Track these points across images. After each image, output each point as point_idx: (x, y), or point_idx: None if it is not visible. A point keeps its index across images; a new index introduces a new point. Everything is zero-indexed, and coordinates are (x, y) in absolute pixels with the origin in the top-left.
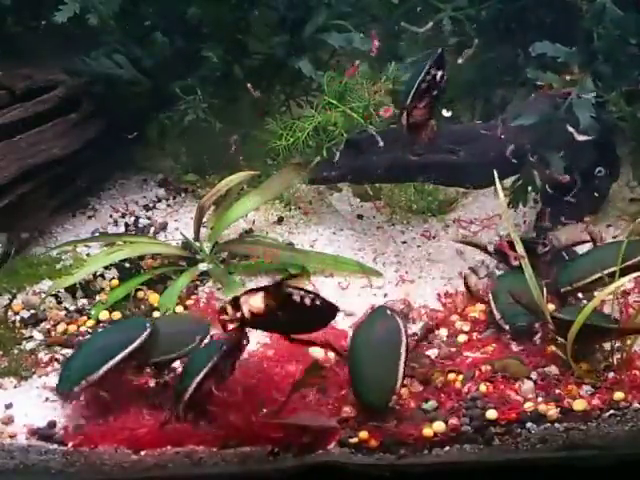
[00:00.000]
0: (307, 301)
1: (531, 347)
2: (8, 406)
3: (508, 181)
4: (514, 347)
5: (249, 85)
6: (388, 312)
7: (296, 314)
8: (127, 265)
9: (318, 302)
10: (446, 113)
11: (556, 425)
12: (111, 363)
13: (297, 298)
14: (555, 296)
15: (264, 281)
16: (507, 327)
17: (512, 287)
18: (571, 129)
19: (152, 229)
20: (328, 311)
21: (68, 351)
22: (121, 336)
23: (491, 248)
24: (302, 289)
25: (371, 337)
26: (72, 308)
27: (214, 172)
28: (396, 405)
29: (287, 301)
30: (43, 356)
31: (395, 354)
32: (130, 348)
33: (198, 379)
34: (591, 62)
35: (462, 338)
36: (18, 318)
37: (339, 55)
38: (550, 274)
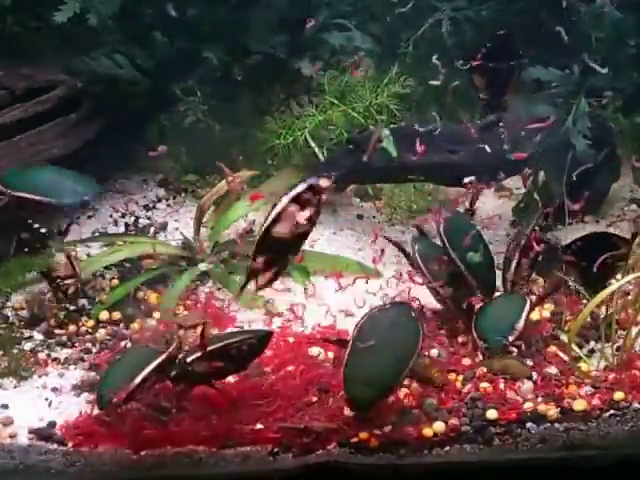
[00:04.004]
0: None
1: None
2: (8, 406)
3: (507, 181)
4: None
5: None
6: (412, 313)
7: None
8: (127, 265)
9: None
10: None
11: (556, 425)
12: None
13: None
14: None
15: None
16: (484, 345)
17: (495, 314)
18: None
19: (152, 229)
20: None
21: (68, 351)
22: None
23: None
24: None
25: (384, 331)
26: (72, 308)
27: (214, 172)
28: (395, 405)
29: None
30: (43, 356)
31: (404, 357)
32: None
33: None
34: (586, 75)
35: (461, 338)
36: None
37: (339, 54)
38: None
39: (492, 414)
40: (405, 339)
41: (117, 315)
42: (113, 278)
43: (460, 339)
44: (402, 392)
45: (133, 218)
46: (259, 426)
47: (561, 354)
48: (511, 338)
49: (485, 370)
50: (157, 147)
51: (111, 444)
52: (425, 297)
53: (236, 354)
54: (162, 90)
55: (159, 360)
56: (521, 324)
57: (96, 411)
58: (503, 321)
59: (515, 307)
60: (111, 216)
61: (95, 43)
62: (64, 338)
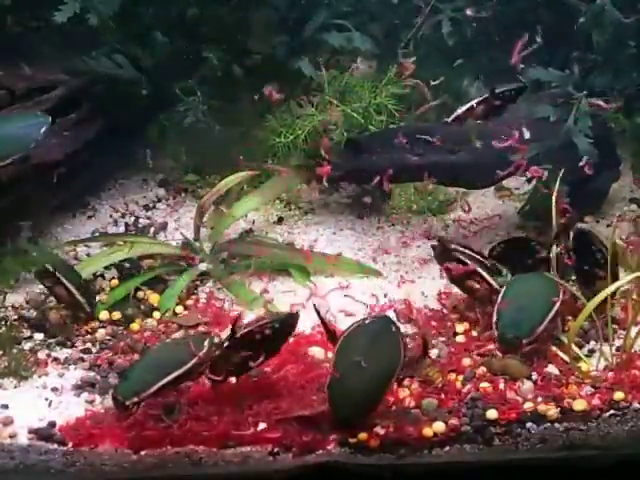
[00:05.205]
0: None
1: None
2: (8, 406)
3: (508, 181)
4: None
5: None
6: (393, 328)
7: None
8: (127, 265)
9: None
10: None
11: (556, 425)
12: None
13: None
14: None
15: (264, 281)
16: (496, 334)
17: (520, 293)
18: None
19: (152, 229)
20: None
21: (68, 351)
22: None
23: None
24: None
25: (365, 347)
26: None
27: (214, 172)
28: (395, 405)
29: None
30: (43, 356)
31: (386, 376)
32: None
33: None
34: (588, 75)
35: (461, 338)
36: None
37: (339, 54)
38: None
39: (492, 414)
40: (387, 354)
41: (117, 315)
42: (113, 278)
43: (460, 339)
44: (402, 392)
45: (133, 218)
46: (259, 426)
47: (561, 354)
48: (526, 341)
49: (485, 370)
50: (157, 147)
51: (111, 444)
52: (424, 297)
53: (266, 337)
54: (162, 90)
55: (189, 365)
56: (541, 328)
57: (96, 408)
58: (525, 319)
59: (543, 304)
60: (111, 216)
61: (95, 43)
62: (64, 338)
